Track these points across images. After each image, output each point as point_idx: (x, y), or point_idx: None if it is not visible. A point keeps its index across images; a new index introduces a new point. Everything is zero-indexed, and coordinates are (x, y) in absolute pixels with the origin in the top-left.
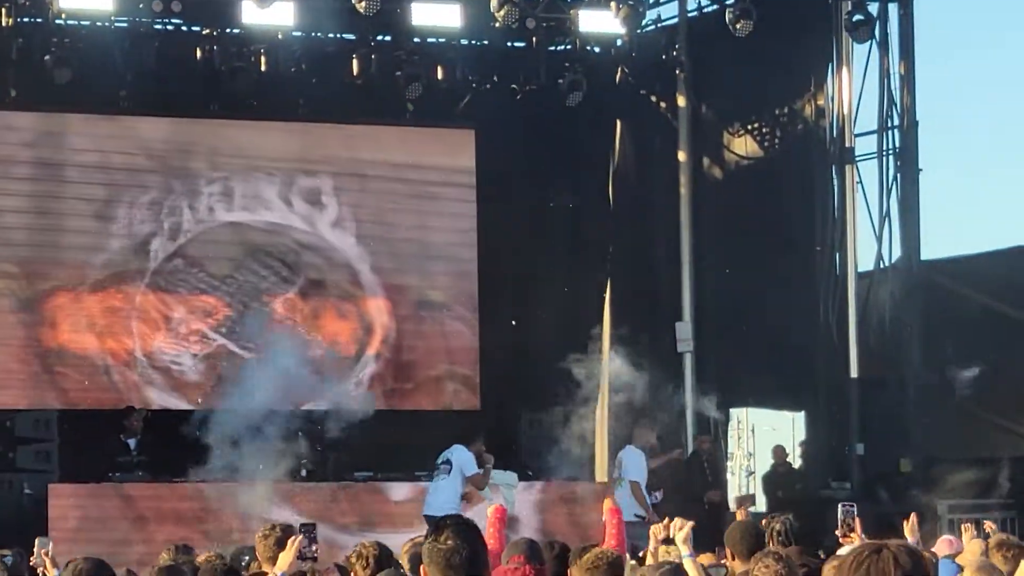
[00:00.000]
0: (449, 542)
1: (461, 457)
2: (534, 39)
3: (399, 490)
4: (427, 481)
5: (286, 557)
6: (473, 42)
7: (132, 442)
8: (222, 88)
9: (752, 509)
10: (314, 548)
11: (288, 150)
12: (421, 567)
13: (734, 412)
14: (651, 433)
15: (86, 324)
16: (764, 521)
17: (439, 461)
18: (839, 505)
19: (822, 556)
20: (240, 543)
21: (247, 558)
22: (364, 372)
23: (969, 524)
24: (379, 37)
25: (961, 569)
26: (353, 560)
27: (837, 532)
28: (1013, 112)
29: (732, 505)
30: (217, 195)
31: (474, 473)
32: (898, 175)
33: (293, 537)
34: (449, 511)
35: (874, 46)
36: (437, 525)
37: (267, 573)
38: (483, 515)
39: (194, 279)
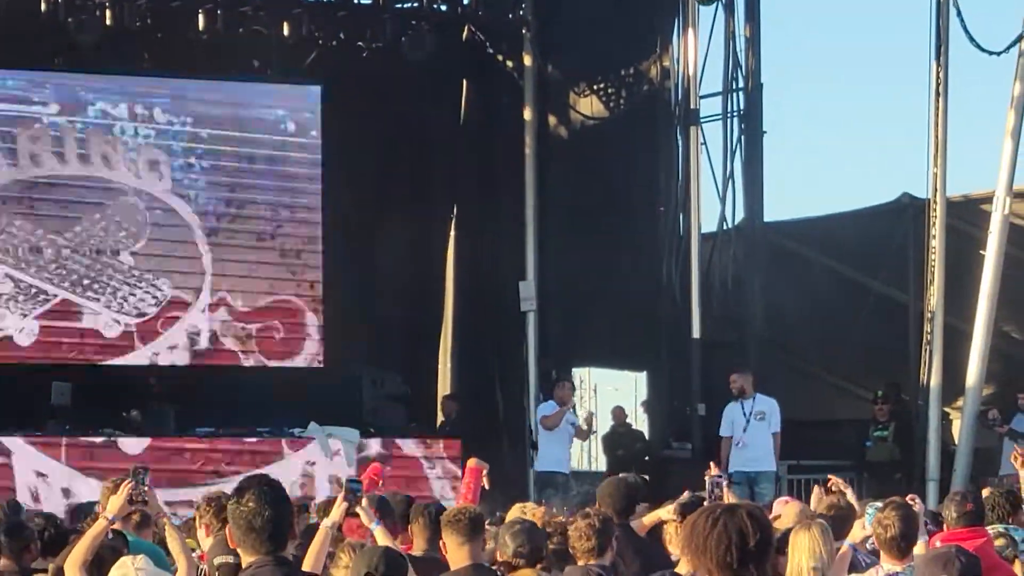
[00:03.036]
0: (251, 504)
1: (539, 411)
2: None
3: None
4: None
5: (116, 501)
6: None
7: None
8: (67, 41)
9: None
10: (144, 491)
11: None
12: (227, 528)
13: (577, 372)
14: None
15: None
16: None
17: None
18: (706, 477)
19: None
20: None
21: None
22: (205, 327)
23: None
24: None
25: None
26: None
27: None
28: (856, 76)
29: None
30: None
31: (542, 417)
32: (742, 137)
33: (125, 481)
34: (556, 466)
35: (720, 8)
36: (240, 487)
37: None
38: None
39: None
